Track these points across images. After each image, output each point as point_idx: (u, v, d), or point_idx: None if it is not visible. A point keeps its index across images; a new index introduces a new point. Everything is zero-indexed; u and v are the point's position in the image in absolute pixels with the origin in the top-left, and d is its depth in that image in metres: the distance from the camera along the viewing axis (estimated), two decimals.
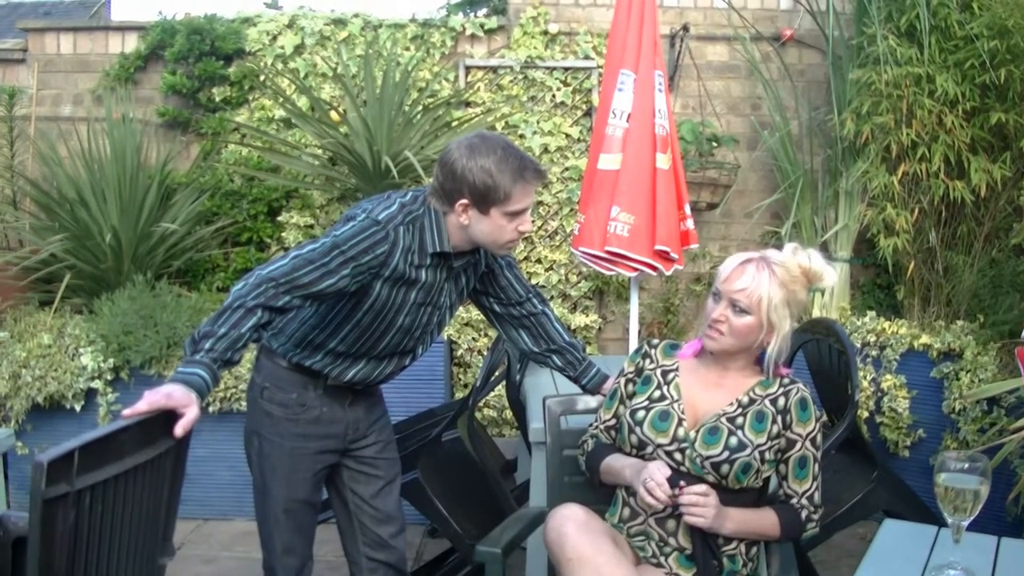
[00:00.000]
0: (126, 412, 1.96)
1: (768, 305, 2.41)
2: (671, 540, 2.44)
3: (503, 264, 2.78)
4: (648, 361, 2.62)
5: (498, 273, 2.78)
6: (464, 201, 2.43)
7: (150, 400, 2.01)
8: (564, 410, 2.89)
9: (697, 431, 2.44)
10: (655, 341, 2.68)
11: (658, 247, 4.15)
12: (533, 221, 5.53)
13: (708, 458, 2.40)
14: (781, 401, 2.48)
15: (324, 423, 2.68)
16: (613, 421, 2.64)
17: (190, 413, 2.05)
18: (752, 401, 2.48)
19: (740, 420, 2.44)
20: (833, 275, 2.52)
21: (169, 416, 2.05)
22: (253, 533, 2.82)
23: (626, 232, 4.16)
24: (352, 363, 2.63)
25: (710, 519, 2.34)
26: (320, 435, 2.69)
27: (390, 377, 2.75)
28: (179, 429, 2.02)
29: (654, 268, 4.20)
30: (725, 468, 2.39)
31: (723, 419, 2.45)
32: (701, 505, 2.33)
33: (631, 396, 2.60)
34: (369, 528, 2.80)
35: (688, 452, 2.42)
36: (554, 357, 2.88)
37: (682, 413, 2.48)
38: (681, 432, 2.45)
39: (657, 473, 2.34)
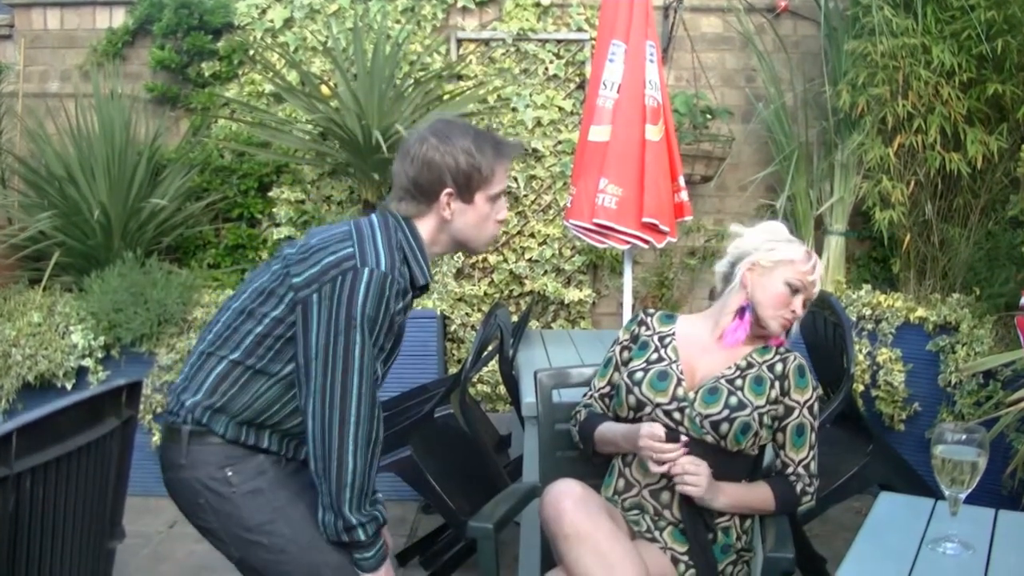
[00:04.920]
0: None
1: None
2: (666, 513, 2.43)
3: None
4: (644, 328, 2.63)
5: None
6: (449, 190, 2.24)
7: None
8: (555, 384, 2.87)
9: (696, 392, 2.44)
10: (651, 310, 2.69)
11: (646, 219, 4.11)
12: (526, 195, 5.50)
13: (708, 417, 2.40)
14: (779, 367, 2.49)
15: (303, 473, 2.28)
16: (608, 389, 2.63)
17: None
18: (750, 366, 2.49)
19: (739, 382, 2.45)
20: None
21: (116, 394, 2.01)
22: None
23: (614, 204, 4.12)
24: (302, 442, 2.24)
25: (704, 487, 2.33)
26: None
27: None
28: None
29: (645, 241, 4.17)
30: (724, 427, 2.39)
31: (722, 380, 2.46)
32: (693, 473, 2.32)
33: (627, 362, 2.59)
34: None
35: (688, 411, 2.42)
36: None
37: (681, 374, 2.48)
38: (680, 392, 2.45)
39: (652, 440, 2.34)
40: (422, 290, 2.31)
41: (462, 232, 2.31)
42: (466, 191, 2.26)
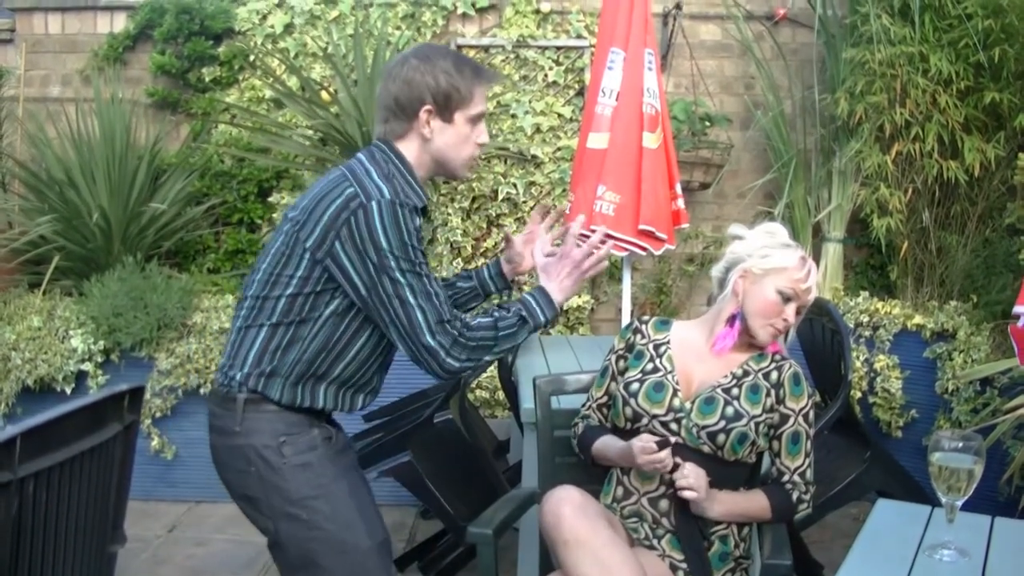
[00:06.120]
0: None
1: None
2: (664, 521, 2.43)
3: None
4: (639, 336, 2.62)
5: None
6: (429, 107, 2.29)
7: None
8: (554, 390, 2.87)
9: (692, 402, 2.44)
10: (645, 317, 2.68)
11: (642, 226, 4.12)
12: (525, 201, 5.51)
13: (704, 427, 2.40)
14: (774, 375, 2.48)
15: (348, 454, 2.42)
16: (605, 398, 2.63)
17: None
18: (746, 374, 2.49)
19: (735, 391, 2.45)
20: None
21: (119, 399, 2.02)
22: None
23: (611, 211, 4.12)
24: (356, 390, 2.35)
25: (703, 492, 2.34)
26: (354, 464, 2.42)
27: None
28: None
29: (643, 248, 4.18)
30: (721, 438, 2.39)
31: (718, 390, 2.45)
32: (692, 476, 2.33)
33: (623, 372, 2.59)
34: None
35: (684, 422, 2.42)
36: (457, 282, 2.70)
37: (676, 384, 2.48)
38: (676, 402, 2.45)
39: (648, 455, 2.34)
40: (422, 212, 2.34)
41: (441, 152, 2.35)
42: (445, 109, 2.32)
